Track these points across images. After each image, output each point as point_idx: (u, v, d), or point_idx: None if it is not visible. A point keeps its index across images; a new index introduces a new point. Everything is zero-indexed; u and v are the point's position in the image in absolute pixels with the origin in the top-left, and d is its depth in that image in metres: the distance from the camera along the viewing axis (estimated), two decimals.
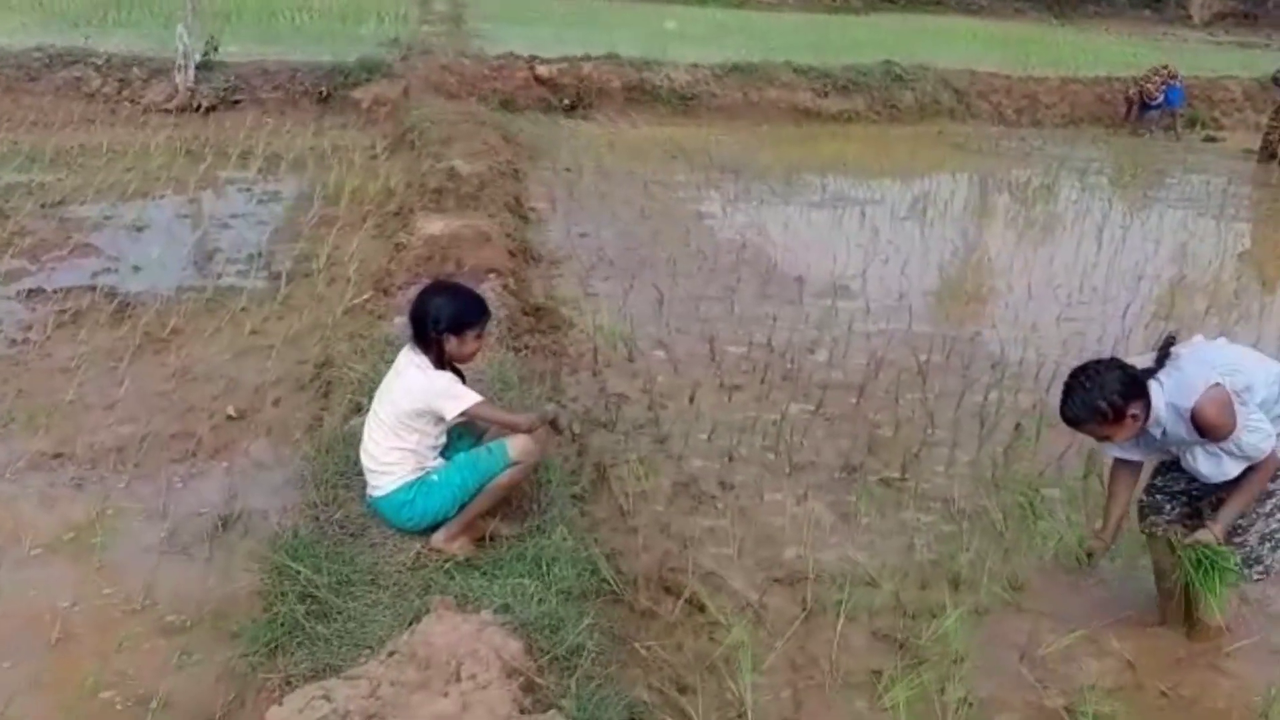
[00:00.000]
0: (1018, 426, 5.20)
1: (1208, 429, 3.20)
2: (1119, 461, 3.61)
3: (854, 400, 5.46)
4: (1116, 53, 20.02)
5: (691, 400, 5.33)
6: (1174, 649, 3.60)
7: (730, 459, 4.77)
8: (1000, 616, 3.74)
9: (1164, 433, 3.33)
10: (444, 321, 3.42)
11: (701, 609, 3.67)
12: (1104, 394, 3.23)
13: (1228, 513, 3.35)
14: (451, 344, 3.45)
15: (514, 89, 13.12)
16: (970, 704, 3.25)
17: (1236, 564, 3.34)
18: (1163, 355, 3.35)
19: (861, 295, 7.12)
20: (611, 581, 3.65)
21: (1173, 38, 28.05)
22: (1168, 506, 3.59)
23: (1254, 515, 3.41)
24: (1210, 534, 3.33)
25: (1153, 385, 3.28)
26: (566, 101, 13.32)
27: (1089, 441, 4.89)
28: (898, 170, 11.92)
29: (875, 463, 4.84)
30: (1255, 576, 3.50)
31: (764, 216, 9.21)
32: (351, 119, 11.83)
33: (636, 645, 3.42)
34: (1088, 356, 6.00)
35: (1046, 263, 8.29)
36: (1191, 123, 15.47)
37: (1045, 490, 4.62)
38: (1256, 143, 13.61)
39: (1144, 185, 11.93)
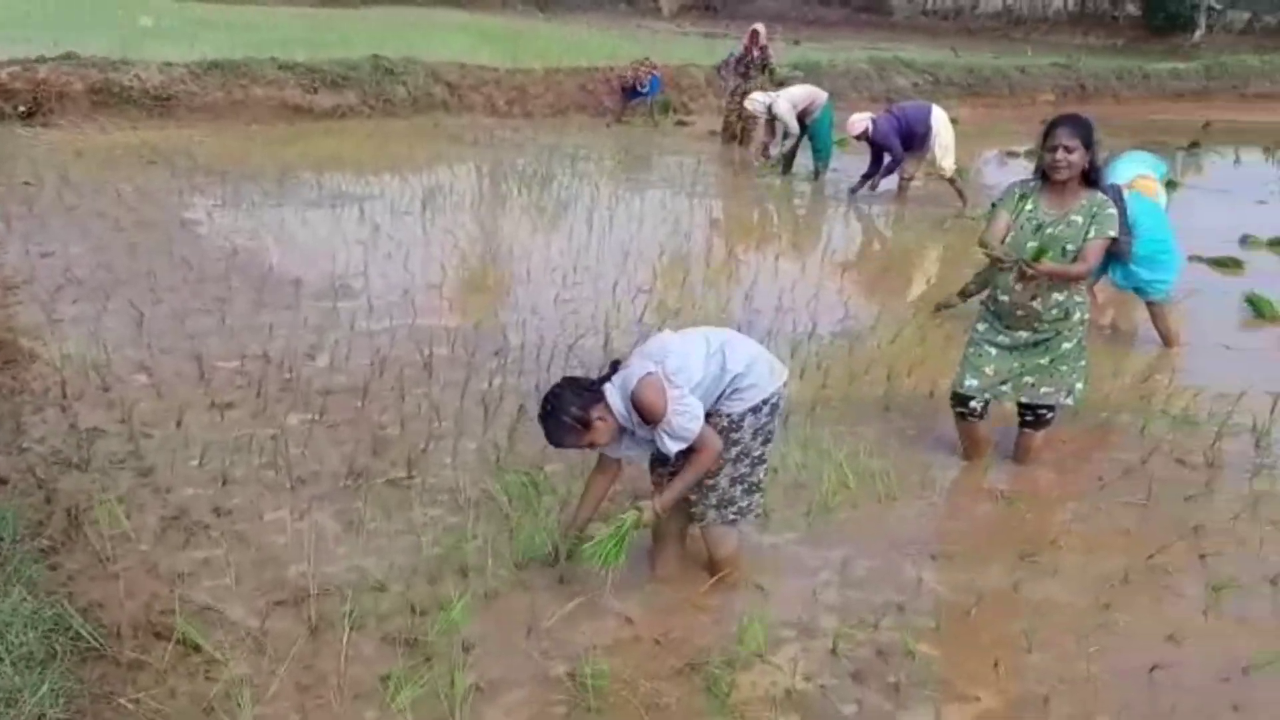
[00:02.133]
0: (521, 408, 5.34)
1: (644, 412, 3.50)
2: (602, 458, 3.85)
3: (358, 403, 5.36)
4: (597, 44, 21.35)
5: (179, 425, 4.96)
6: (666, 598, 3.88)
7: (224, 482, 4.49)
8: (508, 598, 3.82)
9: (634, 425, 3.60)
10: None
11: (197, 648, 3.41)
12: (566, 411, 3.54)
13: (670, 492, 3.65)
14: None
15: None
16: (480, 689, 3.29)
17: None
18: (614, 367, 3.68)
19: (363, 294, 7.02)
20: (89, 636, 3.30)
21: (646, 29, 30.42)
22: (660, 468, 3.87)
23: (723, 462, 3.72)
24: (650, 508, 3.63)
25: (607, 388, 3.59)
26: (22, 108, 11.94)
27: None
28: (396, 165, 11.90)
29: (381, 464, 4.77)
30: (730, 516, 3.84)
31: (256, 220, 8.82)
32: None
33: (123, 700, 3.12)
34: (583, 332, 6.47)
35: (544, 247, 8.63)
36: (665, 108, 16.85)
37: (548, 466, 4.78)
38: (719, 125, 15.10)
39: (628, 168, 12.80)
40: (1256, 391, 5.81)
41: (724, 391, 3.66)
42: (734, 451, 3.75)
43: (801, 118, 12.17)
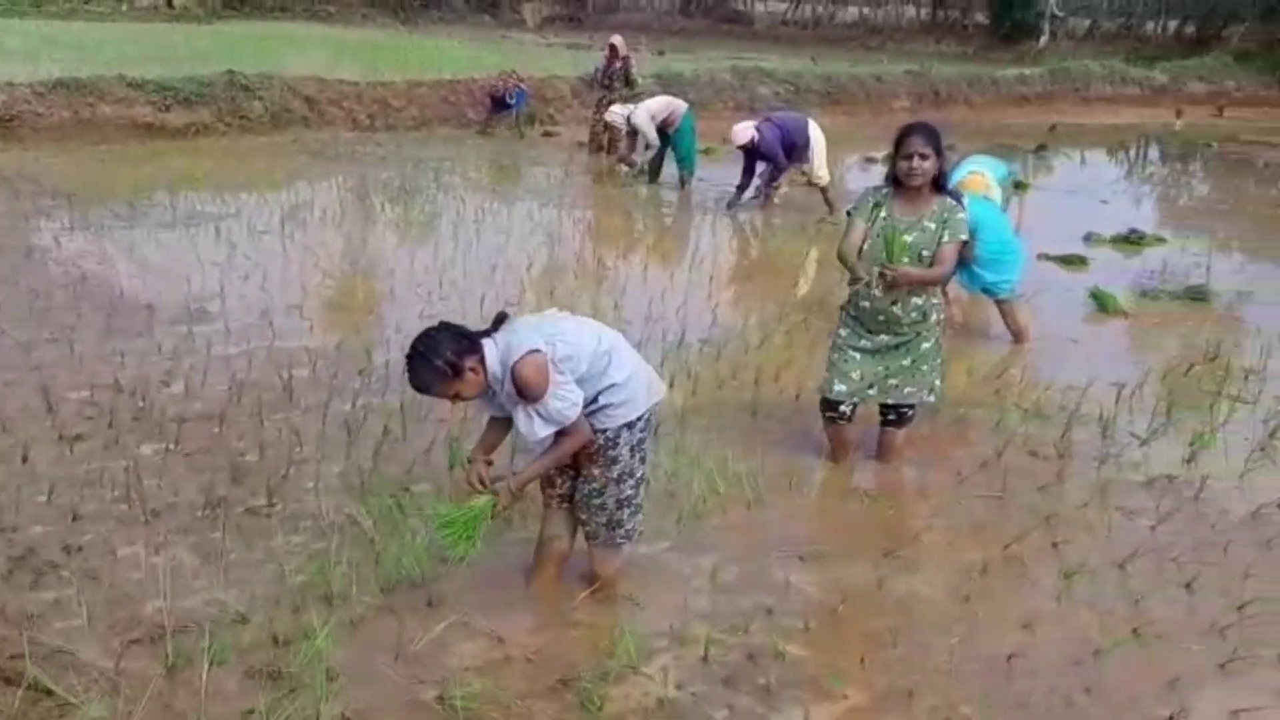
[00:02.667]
0: (385, 429, 5.26)
1: (522, 388, 3.40)
2: (492, 420, 3.75)
3: (215, 430, 5.19)
4: (460, 56, 21.17)
5: (25, 460, 4.74)
6: (537, 615, 3.86)
7: (75, 518, 4.29)
8: (374, 623, 3.75)
9: (501, 389, 3.49)
10: None
11: (49, 693, 3.26)
12: (439, 354, 3.35)
13: (527, 472, 3.63)
14: None
15: None
16: (347, 718, 3.22)
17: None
18: (498, 322, 3.54)
19: (220, 317, 6.82)
20: None
21: (511, 40, 30.30)
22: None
23: (607, 481, 3.70)
24: (506, 489, 3.59)
25: (487, 343, 3.45)
26: None
27: (452, 434, 5.15)
28: (255, 182, 11.59)
29: (241, 493, 4.63)
30: (618, 540, 3.84)
31: (107, 244, 8.49)
32: None
33: None
34: None
35: (409, 263, 8.50)
36: (531, 120, 16.80)
37: (415, 487, 4.72)
38: (586, 136, 15.12)
39: (494, 181, 12.73)
40: (1102, 383, 6.07)
41: (596, 399, 3.59)
42: (616, 471, 3.72)
43: (664, 128, 12.27)
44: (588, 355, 3.54)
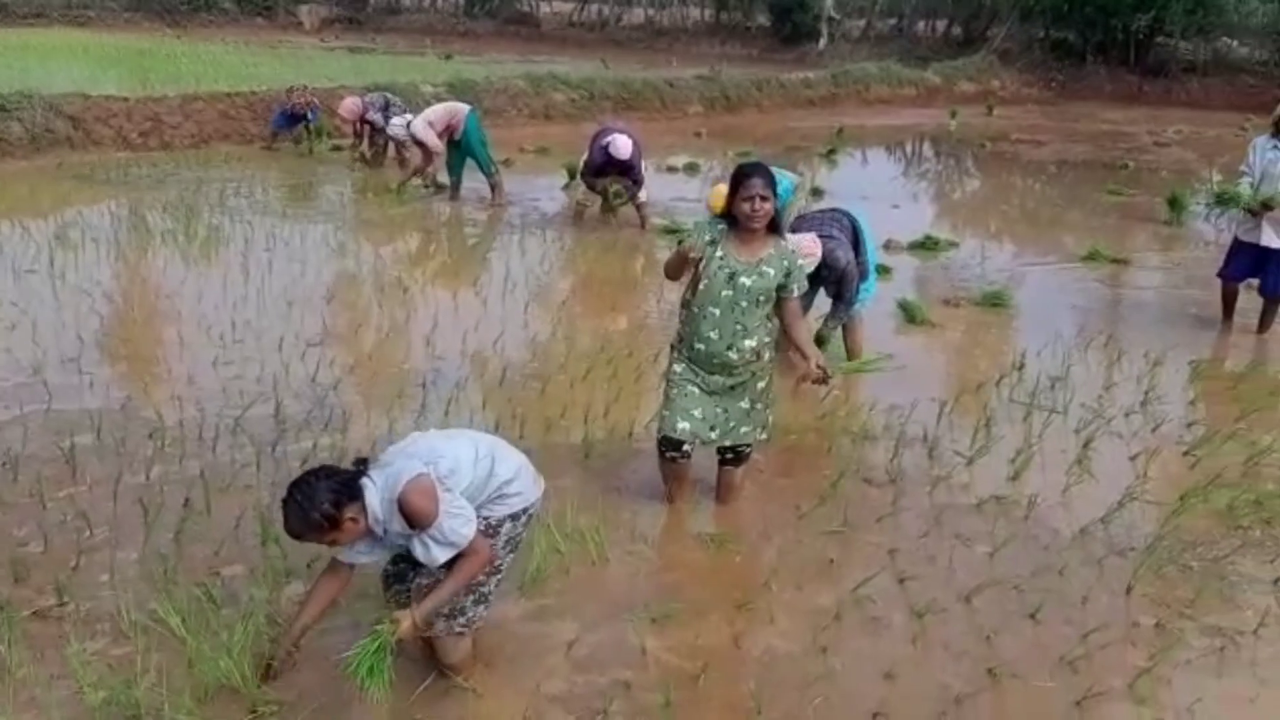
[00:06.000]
0: (186, 502, 4.78)
1: (412, 517, 3.22)
2: (335, 562, 3.50)
3: None
4: (236, 64, 20.16)
5: None
6: (372, 716, 3.52)
7: None
8: None
9: (385, 529, 3.31)
10: None
11: None
12: (315, 505, 3.17)
13: (431, 600, 3.39)
14: None
15: None
16: None
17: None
18: (361, 464, 3.37)
19: None
20: None
21: (288, 44, 29.15)
22: (411, 574, 3.57)
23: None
24: (409, 619, 3.35)
25: (365, 484, 3.28)
26: None
27: (262, 501, 4.72)
28: (15, 213, 10.59)
29: (25, 592, 4.09)
30: (458, 629, 3.58)
31: None
32: None
33: None
34: (250, 400, 5.91)
35: (196, 302, 7.86)
36: (320, 133, 16.04)
37: (225, 570, 4.29)
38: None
39: (284, 202, 12.00)
40: (922, 400, 6.16)
41: (489, 497, 3.46)
42: None
43: (450, 136, 11.88)
44: (469, 464, 3.40)
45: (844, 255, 6.48)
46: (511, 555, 3.64)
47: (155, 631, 3.85)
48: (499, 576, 3.63)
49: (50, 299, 7.73)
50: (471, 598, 3.54)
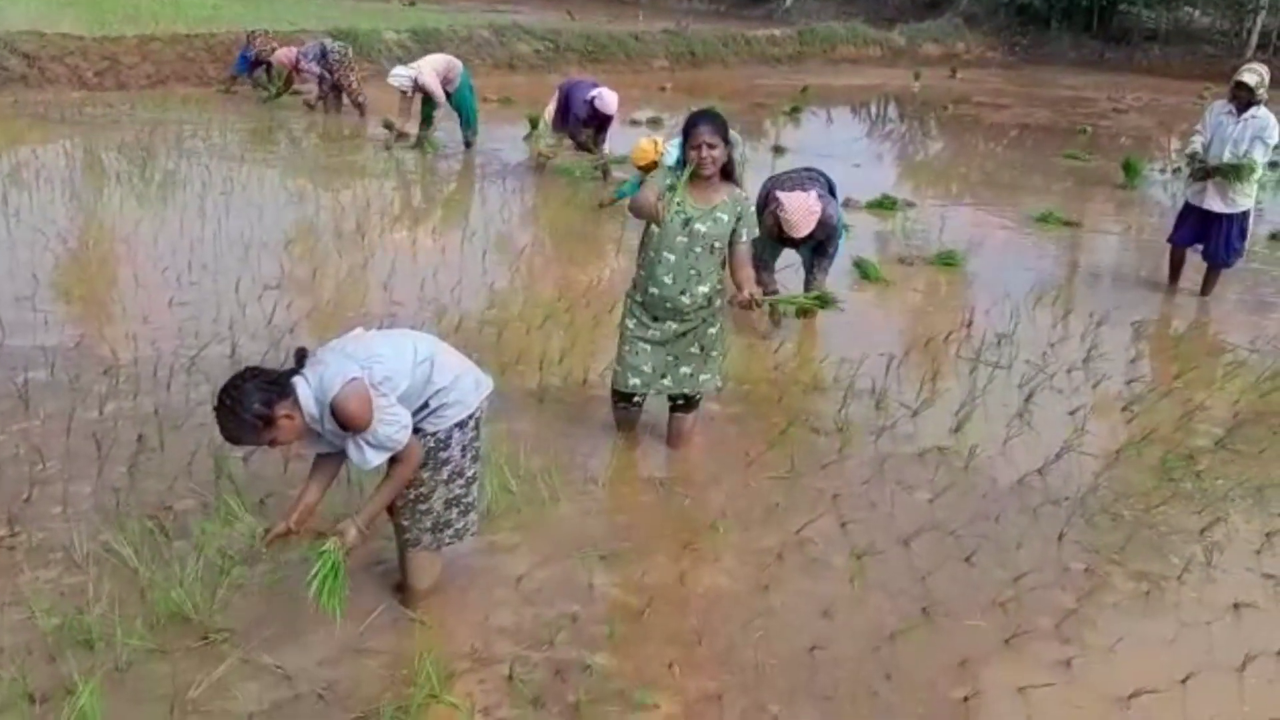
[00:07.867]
0: (140, 438, 4.81)
1: (346, 421, 3.21)
2: (318, 461, 3.51)
3: None
4: (196, 4, 19.80)
5: None
6: (327, 646, 3.56)
7: None
8: (145, 668, 3.39)
9: (323, 427, 3.29)
10: None
11: None
12: (246, 407, 3.13)
13: (370, 506, 3.45)
14: None
15: None
16: None
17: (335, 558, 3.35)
18: (300, 358, 3.33)
19: None
20: None
21: None
22: None
23: (436, 484, 3.57)
24: (352, 529, 3.38)
25: (298, 382, 3.24)
26: None
27: (215, 440, 4.75)
28: None
29: None
30: (448, 540, 3.69)
31: None
32: None
33: None
34: (206, 340, 5.92)
35: (152, 243, 7.83)
36: (282, 76, 15.79)
37: (178, 504, 4.34)
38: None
39: (242, 145, 11.90)
40: (873, 354, 6.28)
41: (426, 404, 3.46)
42: (446, 472, 3.58)
43: (444, 87, 11.87)
44: (407, 370, 3.37)
45: (834, 213, 6.58)
46: (477, 462, 3.68)
47: (108, 562, 3.90)
48: (476, 484, 3.71)
49: (4, 237, 7.66)
50: (456, 510, 3.64)
